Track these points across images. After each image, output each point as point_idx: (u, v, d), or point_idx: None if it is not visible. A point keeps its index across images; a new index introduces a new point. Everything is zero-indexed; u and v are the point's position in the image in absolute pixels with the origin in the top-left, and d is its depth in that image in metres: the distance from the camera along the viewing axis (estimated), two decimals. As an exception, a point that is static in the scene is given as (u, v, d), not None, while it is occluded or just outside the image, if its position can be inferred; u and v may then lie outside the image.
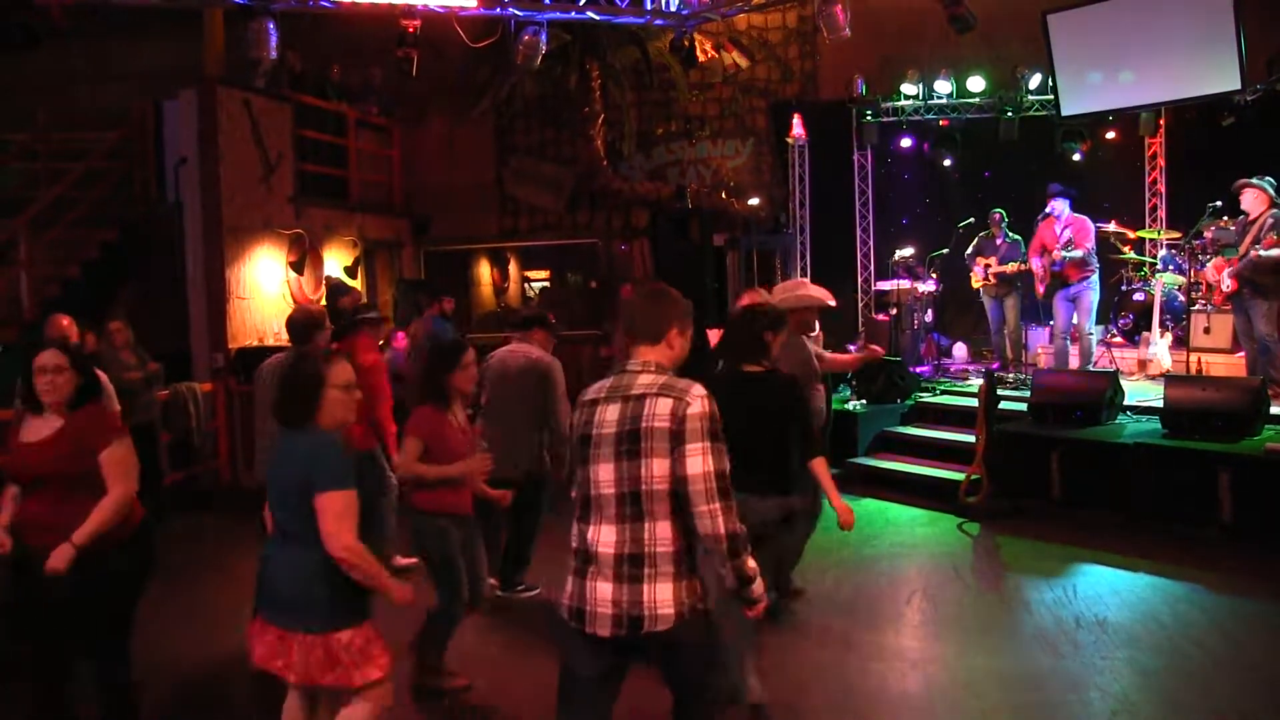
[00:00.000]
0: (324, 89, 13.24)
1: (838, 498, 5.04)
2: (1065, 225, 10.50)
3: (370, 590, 3.64)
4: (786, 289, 6.74)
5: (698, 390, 3.29)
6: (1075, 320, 10.56)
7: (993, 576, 7.29)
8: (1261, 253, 8.87)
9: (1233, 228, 9.57)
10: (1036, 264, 10.74)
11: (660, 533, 3.26)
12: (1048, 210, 10.68)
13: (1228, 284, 9.30)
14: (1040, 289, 10.82)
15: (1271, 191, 9.05)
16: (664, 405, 3.26)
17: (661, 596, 3.24)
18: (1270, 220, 8.93)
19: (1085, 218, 10.59)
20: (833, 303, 6.61)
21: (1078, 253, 10.32)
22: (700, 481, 3.21)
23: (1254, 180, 9.11)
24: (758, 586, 3.38)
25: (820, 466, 5.04)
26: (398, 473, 5.13)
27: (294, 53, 12.49)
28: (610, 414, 3.32)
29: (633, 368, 3.41)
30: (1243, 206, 9.21)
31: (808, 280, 6.58)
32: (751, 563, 3.35)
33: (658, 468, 3.25)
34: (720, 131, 14.55)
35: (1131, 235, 11.70)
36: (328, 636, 3.56)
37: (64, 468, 4.19)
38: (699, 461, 3.21)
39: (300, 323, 6.15)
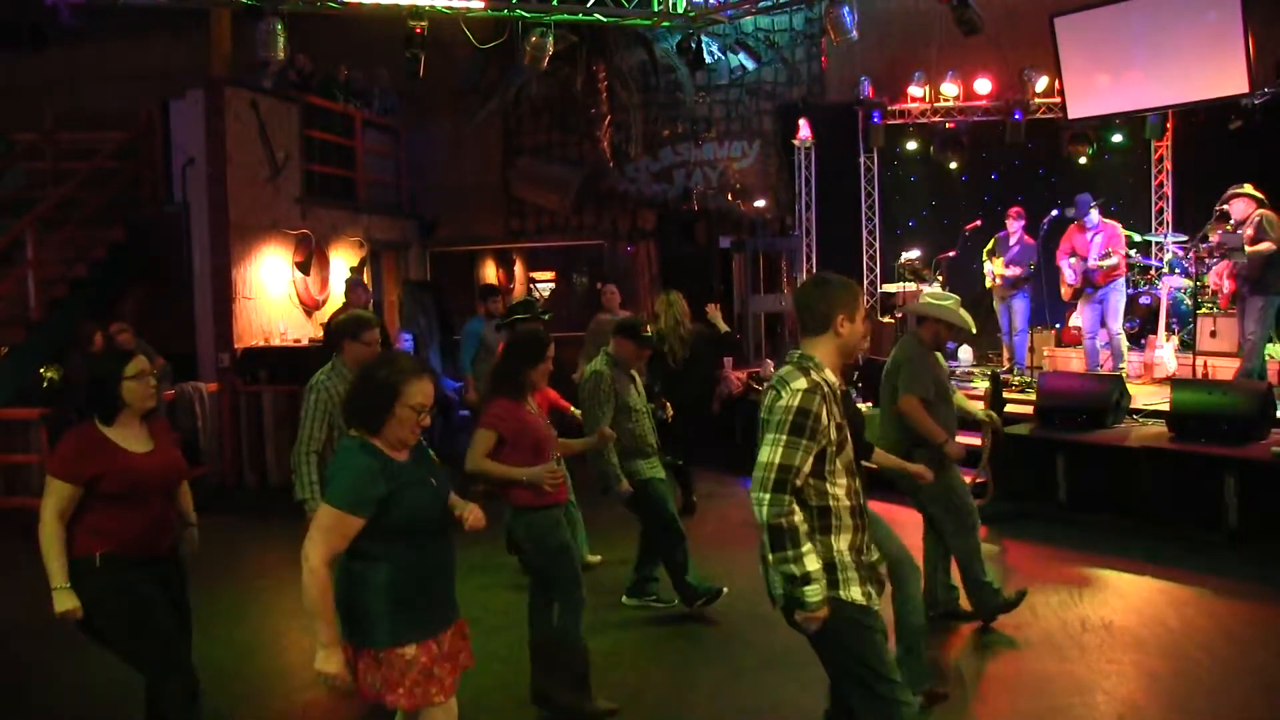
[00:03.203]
0: (331, 90, 13.25)
1: None
2: (1096, 231, 10.53)
3: (424, 609, 3.49)
4: (935, 296, 6.34)
5: (798, 384, 3.31)
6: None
7: (998, 579, 7.25)
8: (1248, 249, 9.06)
9: (1239, 232, 9.58)
10: (1066, 267, 10.76)
11: None
12: (1081, 218, 10.65)
13: (1227, 285, 9.45)
14: (1068, 293, 10.92)
15: (1257, 195, 9.26)
16: (770, 397, 3.40)
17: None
18: (1257, 219, 9.13)
19: (1115, 223, 10.61)
20: (973, 329, 6.25)
21: (1114, 259, 10.40)
22: (759, 470, 3.28)
23: (1243, 189, 9.30)
24: (806, 591, 3.26)
25: None
26: (467, 468, 4.91)
27: (302, 53, 12.50)
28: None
29: (787, 356, 3.51)
30: (1234, 216, 9.36)
31: (957, 298, 6.28)
32: (801, 565, 3.25)
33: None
34: (727, 133, 14.54)
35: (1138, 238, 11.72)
36: (362, 650, 3.44)
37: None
38: (765, 451, 3.28)
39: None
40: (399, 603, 3.44)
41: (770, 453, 3.26)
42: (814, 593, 3.26)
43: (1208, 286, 10.38)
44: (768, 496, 3.25)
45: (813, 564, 3.26)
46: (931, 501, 6.00)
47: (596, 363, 6.40)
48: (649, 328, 6.89)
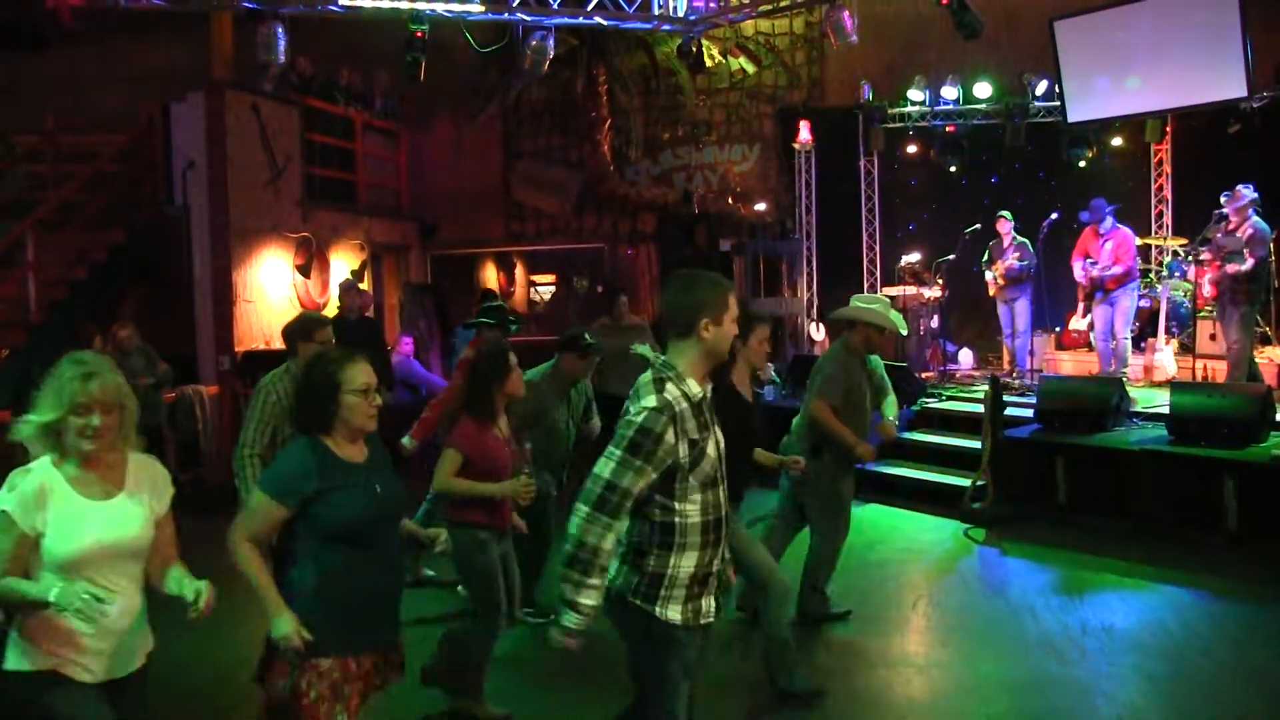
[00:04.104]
0: (332, 93, 13.26)
1: None
2: (1107, 238, 10.52)
3: (348, 622, 3.37)
4: (865, 299, 6.38)
5: (649, 401, 3.17)
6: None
7: (998, 583, 7.27)
8: (1242, 268, 9.13)
9: (1240, 235, 9.60)
10: (1079, 270, 10.76)
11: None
12: (1096, 223, 10.64)
13: (1208, 290, 9.48)
14: (1081, 295, 10.90)
15: (1254, 199, 9.35)
16: (626, 404, 3.29)
17: (609, 573, 3.32)
18: (1250, 231, 9.18)
19: (1128, 231, 10.59)
20: (901, 331, 6.28)
21: (1117, 269, 10.40)
22: (593, 481, 3.18)
23: (1246, 192, 9.34)
24: (570, 618, 3.17)
25: None
26: (434, 489, 4.97)
27: (302, 56, 12.51)
28: None
29: (654, 358, 3.36)
30: (1233, 220, 9.40)
31: (886, 300, 6.36)
32: (581, 593, 3.15)
33: None
34: (727, 137, 14.55)
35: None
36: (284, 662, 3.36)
37: None
38: (604, 464, 3.17)
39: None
40: (322, 611, 3.34)
41: (604, 466, 3.16)
42: (574, 621, 3.17)
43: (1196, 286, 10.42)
44: (586, 510, 3.14)
45: (590, 599, 3.17)
46: (814, 499, 6.13)
47: (537, 371, 6.32)
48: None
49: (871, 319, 6.00)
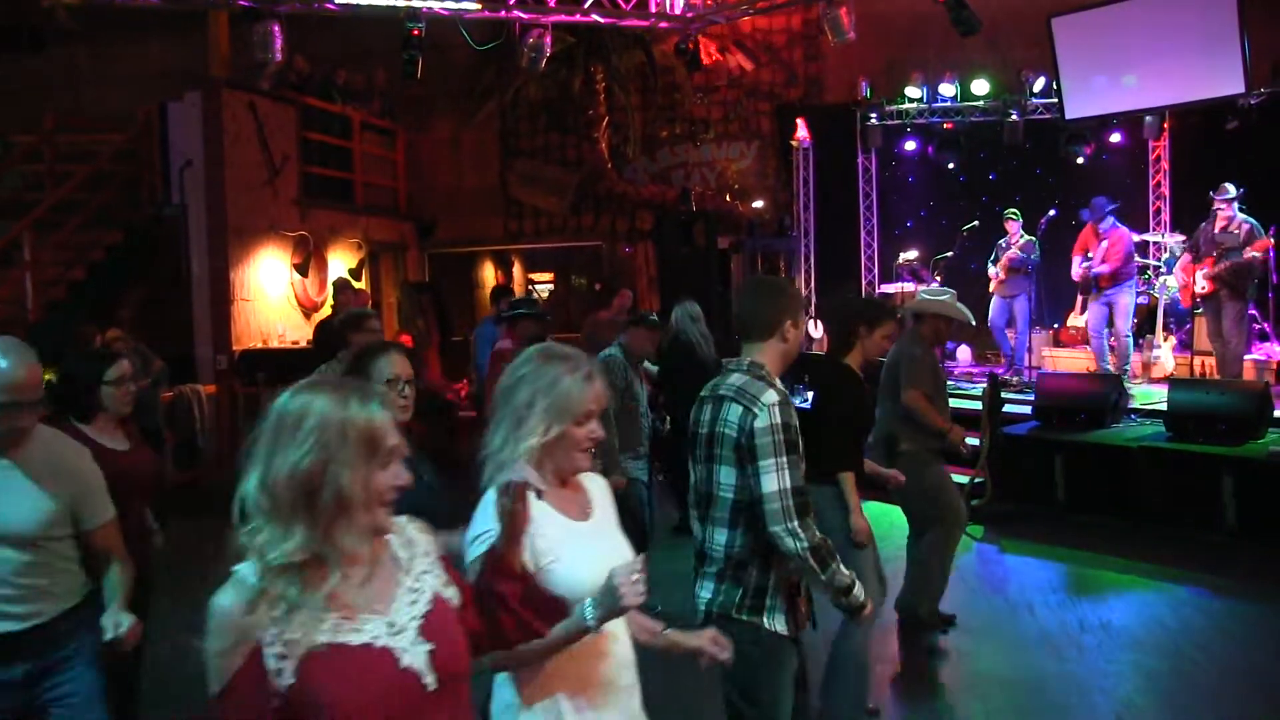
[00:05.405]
0: (329, 91, 13.25)
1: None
2: (1104, 237, 10.48)
3: None
4: (931, 292, 6.46)
5: (769, 398, 3.13)
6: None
7: (997, 580, 7.27)
8: (1254, 254, 9.19)
9: (1235, 230, 9.59)
10: (1077, 266, 10.74)
11: (716, 538, 3.26)
12: (1096, 221, 10.63)
13: (1203, 285, 9.42)
14: (1079, 292, 10.94)
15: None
16: (734, 412, 3.18)
17: (705, 594, 3.28)
18: (1248, 226, 9.27)
19: (1124, 231, 10.53)
20: (970, 321, 6.29)
21: (1104, 268, 10.35)
22: (775, 500, 3.09)
23: (1230, 190, 9.40)
24: (858, 592, 3.22)
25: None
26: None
27: (299, 55, 12.50)
28: (705, 414, 3.31)
29: (730, 365, 3.33)
30: (1220, 215, 9.42)
31: (953, 292, 6.38)
32: (846, 574, 3.18)
33: (724, 475, 3.22)
34: (725, 134, 14.55)
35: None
36: None
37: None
38: (772, 479, 3.09)
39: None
40: None
41: (778, 479, 3.08)
42: (861, 593, 3.23)
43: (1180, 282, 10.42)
44: (797, 524, 3.07)
45: (847, 568, 3.21)
46: (914, 500, 5.99)
47: (610, 350, 6.39)
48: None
49: (940, 310, 6.02)
